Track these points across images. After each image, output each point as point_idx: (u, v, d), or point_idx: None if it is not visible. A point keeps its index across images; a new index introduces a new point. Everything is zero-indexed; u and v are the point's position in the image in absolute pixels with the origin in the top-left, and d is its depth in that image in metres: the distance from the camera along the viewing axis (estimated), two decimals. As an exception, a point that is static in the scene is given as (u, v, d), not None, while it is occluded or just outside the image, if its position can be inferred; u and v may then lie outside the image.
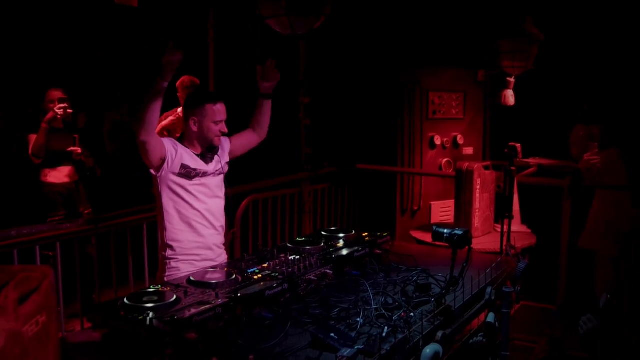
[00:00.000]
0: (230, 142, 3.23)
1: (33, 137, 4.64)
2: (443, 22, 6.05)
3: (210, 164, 3.04)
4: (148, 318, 1.94)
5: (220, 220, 3.11)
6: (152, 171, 2.92)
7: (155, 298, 2.13)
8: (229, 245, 4.74)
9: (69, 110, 4.63)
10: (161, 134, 4.48)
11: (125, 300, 2.12)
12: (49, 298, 1.40)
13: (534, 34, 5.25)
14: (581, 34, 5.76)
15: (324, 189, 5.89)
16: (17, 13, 5.52)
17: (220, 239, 3.12)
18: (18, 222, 3.79)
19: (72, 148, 4.73)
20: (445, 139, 6.13)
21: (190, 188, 2.95)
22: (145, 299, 2.13)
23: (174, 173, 2.91)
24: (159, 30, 6.12)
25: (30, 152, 4.64)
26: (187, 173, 2.94)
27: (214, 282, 2.33)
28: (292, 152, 5.72)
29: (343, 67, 6.46)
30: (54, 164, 4.75)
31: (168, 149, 2.88)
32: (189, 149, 2.99)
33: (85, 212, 4.70)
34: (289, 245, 2.94)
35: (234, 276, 2.41)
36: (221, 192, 3.13)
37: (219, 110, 2.97)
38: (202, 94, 3.16)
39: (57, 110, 4.56)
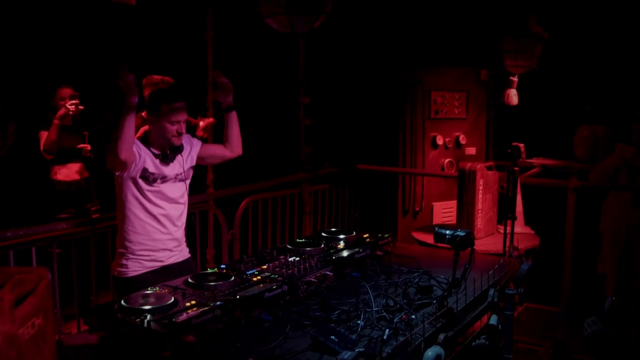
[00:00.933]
0: (201, 147, 3.23)
1: (44, 134, 4.73)
2: (445, 21, 6.05)
3: (170, 166, 3.03)
4: (145, 320, 1.94)
5: (177, 224, 3.12)
6: (116, 172, 2.94)
7: (153, 300, 2.13)
8: (228, 247, 4.74)
9: (80, 107, 4.71)
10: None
11: (122, 302, 2.12)
12: (45, 300, 1.40)
13: (538, 32, 5.26)
14: (585, 32, 5.76)
15: (324, 189, 5.88)
16: (25, 11, 5.55)
17: (176, 240, 3.13)
18: (27, 220, 3.81)
19: (81, 145, 4.81)
20: (447, 139, 6.13)
21: (147, 193, 2.97)
22: (142, 301, 2.13)
23: (134, 176, 2.93)
24: (157, 29, 6.13)
25: (42, 148, 4.72)
26: (146, 177, 2.95)
27: (212, 284, 2.33)
28: (292, 152, 5.72)
29: (343, 66, 6.46)
30: (64, 161, 4.85)
31: (137, 156, 2.90)
32: (150, 149, 2.99)
33: (92, 209, 4.73)
34: (288, 246, 2.94)
35: (232, 278, 2.41)
36: (182, 198, 3.12)
37: (175, 111, 2.95)
38: (160, 93, 3.13)
39: (68, 107, 4.65)
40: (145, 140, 3.02)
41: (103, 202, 5.04)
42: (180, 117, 2.97)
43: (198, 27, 5.14)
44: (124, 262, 3.01)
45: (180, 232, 3.15)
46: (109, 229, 4.12)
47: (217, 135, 3.39)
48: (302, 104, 5.53)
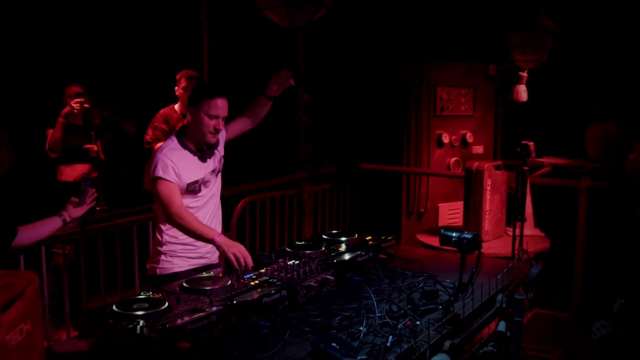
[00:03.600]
0: (227, 132, 3.30)
1: (51, 132, 4.80)
2: (452, 13, 6.05)
3: (208, 162, 3.10)
4: (138, 326, 1.94)
5: (218, 218, 3.24)
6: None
7: (146, 305, 2.13)
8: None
9: (85, 105, 4.78)
10: (160, 122, 4.62)
11: (114, 307, 2.12)
12: (33, 305, 1.40)
13: (548, 25, 5.25)
14: (597, 25, 5.76)
15: (325, 189, 5.89)
16: (37, 9, 5.60)
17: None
18: (32, 220, 3.83)
19: (88, 145, 4.87)
20: (453, 137, 6.13)
21: (193, 201, 3.05)
22: (135, 306, 2.13)
23: (181, 193, 2.98)
24: (151, 24, 6.13)
25: (47, 146, 4.77)
26: (193, 190, 3.03)
27: (208, 288, 2.33)
28: (291, 151, 5.72)
29: (345, 61, 6.46)
30: (70, 161, 4.90)
31: (177, 184, 2.94)
32: (187, 146, 3.03)
33: (97, 209, 4.78)
34: (287, 249, 2.94)
35: (229, 282, 2.41)
36: (219, 190, 3.24)
37: (216, 105, 2.98)
38: (204, 86, 3.27)
39: (73, 105, 4.72)
40: (183, 133, 3.06)
41: (111, 204, 5.09)
42: (220, 112, 3.00)
43: (192, 20, 5.14)
44: (168, 259, 3.06)
45: (220, 226, 3.25)
46: (98, 231, 4.13)
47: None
48: (302, 100, 5.53)
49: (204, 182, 3.08)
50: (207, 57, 5.03)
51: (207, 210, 3.13)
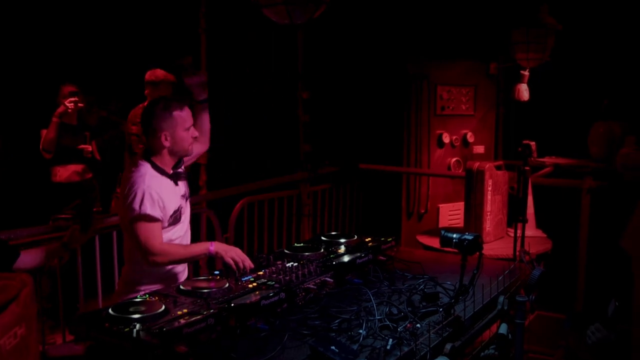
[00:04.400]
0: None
1: (45, 132, 4.82)
2: (452, 11, 6.05)
3: (180, 186, 2.94)
4: (134, 330, 1.94)
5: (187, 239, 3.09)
6: None
7: (143, 308, 2.13)
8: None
9: (79, 104, 4.78)
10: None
11: (110, 310, 2.12)
12: (28, 308, 1.40)
13: (550, 23, 5.26)
14: (601, 23, 5.76)
15: (324, 190, 5.89)
16: (33, 8, 5.60)
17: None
18: (25, 221, 3.84)
19: (82, 146, 4.87)
20: (454, 137, 6.13)
21: (176, 231, 2.91)
22: (131, 309, 2.13)
23: (163, 228, 2.81)
24: (149, 22, 6.13)
25: (40, 146, 4.77)
26: (175, 217, 2.88)
27: (205, 291, 2.33)
28: (290, 151, 5.72)
29: (344, 59, 6.46)
30: (64, 161, 4.90)
31: (162, 218, 2.78)
32: (163, 173, 2.85)
33: (93, 210, 4.79)
34: (286, 251, 2.94)
35: (227, 285, 2.41)
36: (186, 223, 3.05)
37: (188, 115, 2.86)
38: (164, 103, 2.85)
39: (67, 104, 4.73)
40: (155, 157, 2.84)
41: (107, 205, 5.09)
42: (192, 120, 2.89)
43: (190, 17, 5.14)
44: (137, 288, 2.84)
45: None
46: (95, 232, 4.13)
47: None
48: (301, 99, 5.53)
49: (181, 210, 2.92)
50: (205, 55, 5.03)
51: (187, 238, 3.02)
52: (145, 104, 4.73)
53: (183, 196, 2.97)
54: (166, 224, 2.82)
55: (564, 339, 4.31)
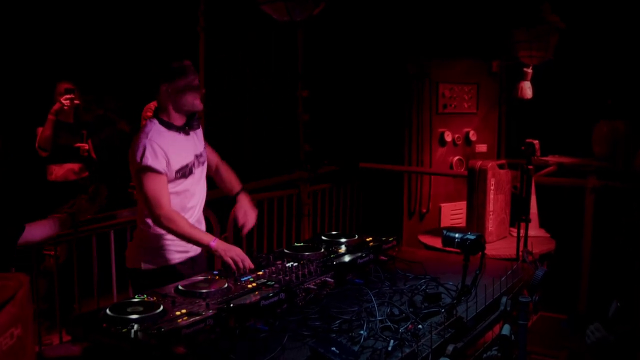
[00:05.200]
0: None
1: (41, 130, 4.83)
2: (454, 8, 6.05)
3: (194, 140, 3.02)
4: (132, 330, 1.95)
5: (203, 197, 3.15)
6: None
7: (141, 309, 2.13)
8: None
9: (76, 102, 4.77)
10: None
11: (107, 310, 2.12)
12: (24, 309, 1.40)
13: (553, 21, 5.25)
14: (605, 21, 5.76)
15: (324, 189, 5.89)
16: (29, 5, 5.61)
17: (200, 220, 3.16)
18: (21, 221, 3.83)
19: (79, 144, 4.86)
20: (456, 135, 6.13)
21: (183, 186, 2.95)
22: (129, 309, 2.13)
23: (169, 181, 2.88)
24: (147, 20, 6.13)
25: (36, 145, 4.76)
26: (184, 173, 2.94)
27: (204, 291, 2.33)
28: (290, 150, 5.72)
29: (345, 57, 6.46)
30: (61, 160, 4.90)
31: (165, 172, 2.83)
32: (171, 127, 2.91)
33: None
34: (286, 251, 2.94)
35: (226, 285, 2.41)
36: (203, 184, 3.13)
37: (187, 67, 2.93)
38: (170, 58, 2.99)
39: (63, 101, 4.72)
40: (163, 113, 2.93)
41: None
42: (197, 79, 2.95)
43: (189, 16, 5.14)
44: (153, 253, 2.96)
45: (201, 211, 3.16)
46: (92, 232, 4.13)
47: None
48: (301, 97, 5.53)
49: (194, 165, 2.99)
50: (204, 54, 5.03)
51: (198, 198, 3.06)
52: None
53: (198, 156, 3.03)
54: (172, 177, 2.87)
55: (568, 340, 4.32)
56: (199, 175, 3.08)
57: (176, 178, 2.90)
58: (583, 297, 4.89)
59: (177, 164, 2.89)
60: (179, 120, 2.95)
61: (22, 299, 1.40)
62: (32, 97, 5.33)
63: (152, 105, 4.73)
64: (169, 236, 2.93)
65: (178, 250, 3.01)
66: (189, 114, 2.98)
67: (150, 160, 2.77)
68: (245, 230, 3.02)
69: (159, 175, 2.80)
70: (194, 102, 2.93)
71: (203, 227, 3.19)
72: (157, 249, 2.98)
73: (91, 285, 4.21)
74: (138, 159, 2.78)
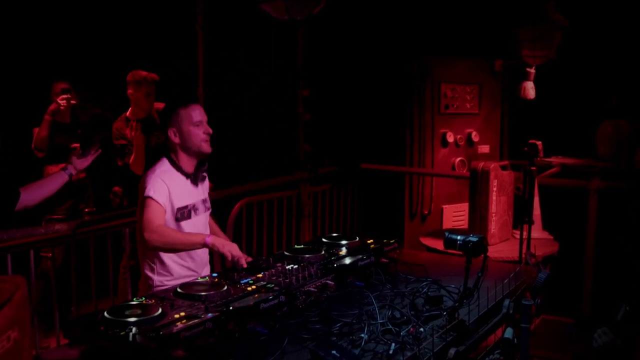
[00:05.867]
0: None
1: (37, 131, 4.81)
2: (456, 7, 6.05)
3: (199, 188, 3.09)
4: (131, 333, 1.95)
5: (205, 260, 3.16)
6: None
7: (139, 311, 2.13)
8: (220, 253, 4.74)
9: (72, 101, 4.78)
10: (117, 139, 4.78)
11: (105, 313, 2.12)
12: (21, 311, 1.40)
13: (557, 19, 5.25)
14: (609, 19, 5.76)
15: (325, 190, 5.89)
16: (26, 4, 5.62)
17: (205, 260, 3.18)
18: (16, 221, 3.83)
19: (75, 144, 4.86)
20: (458, 136, 6.13)
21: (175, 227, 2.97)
22: (127, 312, 2.13)
23: (169, 220, 2.93)
24: (145, 18, 6.14)
25: (32, 145, 4.76)
26: (183, 214, 2.98)
27: (203, 294, 2.33)
28: (290, 150, 5.72)
29: (346, 57, 6.46)
30: (57, 160, 4.88)
31: (165, 206, 2.88)
32: (179, 169, 3.00)
33: (86, 210, 4.78)
34: (286, 253, 2.94)
35: (225, 287, 2.41)
36: (207, 230, 3.17)
37: (196, 110, 3.00)
38: (171, 101, 3.17)
39: (59, 101, 4.73)
40: (173, 155, 3.02)
41: (101, 205, 5.08)
42: (203, 116, 3.01)
43: (187, 14, 5.14)
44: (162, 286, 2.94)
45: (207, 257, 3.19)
46: (90, 234, 4.13)
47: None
48: (301, 97, 5.53)
49: (194, 209, 3.04)
50: (203, 52, 5.03)
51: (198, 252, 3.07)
52: (127, 113, 4.82)
53: (203, 201, 3.11)
54: (171, 215, 2.92)
55: (572, 343, 4.31)
56: (204, 222, 3.15)
57: (177, 218, 2.95)
58: (587, 300, 4.88)
59: (180, 202, 2.96)
60: (188, 165, 3.03)
61: (18, 302, 1.40)
62: (28, 97, 5.33)
63: (116, 127, 4.80)
64: (174, 277, 2.96)
65: (183, 275, 3.02)
66: (198, 157, 3.05)
67: (152, 191, 2.85)
68: (243, 261, 2.78)
69: (157, 205, 2.84)
70: (202, 144, 2.99)
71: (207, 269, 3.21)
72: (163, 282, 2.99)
73: (89, 287, 4.21)
74: (142, 191, 2.88)
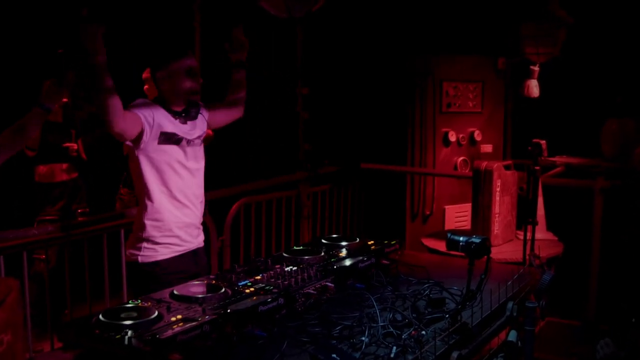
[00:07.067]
0: (209, 112, 3.29)
1: None
2: (458, 3, 6.05)
3: (190, 124, 3.09)
4: (126, 337, 1.94)
5: (200, 195, 3.19)
6: (129, 143, 2.96)
7: (135, 314, 2.13)
8: (217, 255, 4.74)
9: (63, 100, 4.75)
10: None
11: (100, 316, 2.12)
12: (14, 314, 1.40)
13: (561, 16, 5.25)
14: (614, 16, 5.76)
15: (325, 191, 5.89)
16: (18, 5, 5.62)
17: (200, 217, 3.21)
18: (8, 223, 3.83)
19: (68, 144, 4.85)
20: (461, 135, 6.13)
21: (172, 160, 3.01)
22: (123, 315, 2.13)
23: (153, 143, 2.96)
24: (142, 14, 6.14)
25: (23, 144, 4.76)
26: (174, 139, 3.00)
27: (200, 296, 2.33)
28: (289, 150, 5.72)
29: (346, 54, 6.46)
30: (49, 160, 4.88)
31: (144, 120, 2.91)
32: (167, 110, 3.03)
33: (79, 210, 4.78)
34: (285, 254, 2.94)
35: (223, 290, 2.41)
36: (203, 161, 3.20)
37: (191, 58, 3.07)
38: (164, 48, 3.16)
39: None
40: (161, 101, 3.05)
41: (95, 206, 5.08)
42: (196, 66, 3.06)
43: (184, 10, 5.14)
44: (150, 246, 3.02)
45: (202, 206, 3.22)
46: (84, 235, 4.13)
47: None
48: (300, 95, 5.53)
49: (187, 141, 3.05)
50: (200, 49, 5.03)
51: (192, 176, 3.11)
52: None
53: (199, 137, 3.12)
54: (156, 137, 2.92)
55: (577, 346, 4.32)
56: (192, 159, 3.10)
57: (161, 141, 2.96)
58: (592, 302, 4.88)
59: (164, 127, 2.96)
60: (177, 106, 3.05)
61: (11, 304, 1.40)
62: (19, 95, 5.32)
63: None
64: (164, 230, 3.00)
65: (172, 244, 3.05)
66: (187, 99, 3.07)
67: (135, 106, 2.91)
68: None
69: (133, 114, 2.87)
70: (191, 85, 3.03)
71: (202, 237, 3.25)
72: (152, 239, 3.02)
73: (83, 290, 4.21)
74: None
